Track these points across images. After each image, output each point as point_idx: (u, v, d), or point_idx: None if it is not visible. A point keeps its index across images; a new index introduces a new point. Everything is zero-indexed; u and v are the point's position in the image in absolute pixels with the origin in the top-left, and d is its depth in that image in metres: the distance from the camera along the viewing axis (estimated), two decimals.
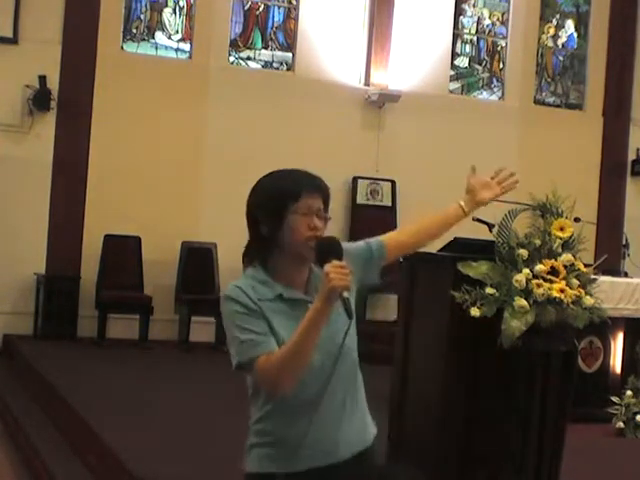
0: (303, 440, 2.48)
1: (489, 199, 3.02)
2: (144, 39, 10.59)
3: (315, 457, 2.51)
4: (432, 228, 2.86)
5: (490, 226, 5.19)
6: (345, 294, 2.38)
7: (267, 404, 2.57)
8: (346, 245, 2.58)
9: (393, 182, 11.16)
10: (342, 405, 2.56)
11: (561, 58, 12.56)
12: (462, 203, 2.93)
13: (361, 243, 2.76)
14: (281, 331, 2.43)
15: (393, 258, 2.81)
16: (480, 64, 12.09)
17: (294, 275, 2.53)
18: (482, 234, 5.02)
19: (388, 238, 2.78)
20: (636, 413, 6.56)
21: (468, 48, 12.04)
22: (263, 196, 2.60)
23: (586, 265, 4.13)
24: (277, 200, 2.52)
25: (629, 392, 6.67)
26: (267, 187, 2.61)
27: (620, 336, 7.14)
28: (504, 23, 12.16)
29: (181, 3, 10.74)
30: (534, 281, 3.95)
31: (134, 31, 10.56)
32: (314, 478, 2.51)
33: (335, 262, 2.36)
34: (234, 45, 10.92)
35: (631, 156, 12.49)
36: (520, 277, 3.96)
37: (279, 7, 11.14)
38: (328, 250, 2.43)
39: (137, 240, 10.00)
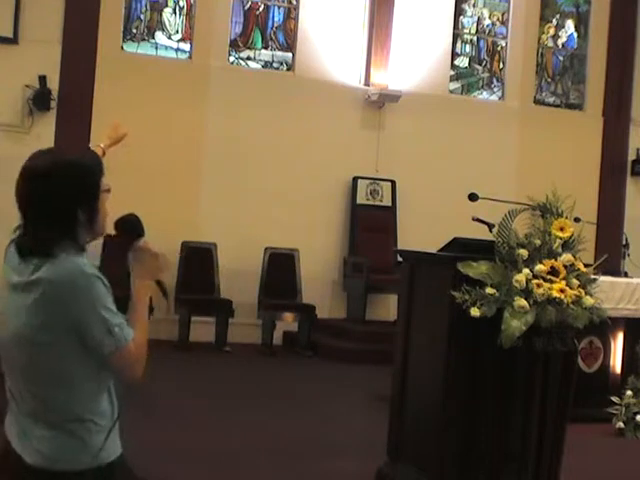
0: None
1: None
2: (144, 39, 10.59)
3: None
4: None
5: (490, 226, 5.19)
6: (161, 276, 2.47)
7: (103, 387, 2.40)
8: None
9: (393, 182, 11.16)
10: None
11: (561, 58, 12.55)
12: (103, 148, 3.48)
13: None
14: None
15: None
16: (480, 64, 12.08)
17: None
18: (482, 234, 5.02)
19: None
20: (636, 413, 6.57)
21: (468, 48, 12.04)
22: (78, 179, 2.32)
23: (586, 265, 4.14)
24: (93, 181, 2.35)
25: (629, 392, 6.68)
26: (76, 169, 2.33)
27: (620, 336, 7.15)
28: (504, 23, 12.16)
29: (181, 3, 10.74)
30: (534, 281, 3.96)
31: (134, 31, 10.55)
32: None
33: (150, 243, 2.42)
34: (234, 45, 10.92)
35: (631, 156, 12.49)
36: (520, 277, 3.96)
37: (279, 7, 11.13)
38: (137, 228, 2.46)
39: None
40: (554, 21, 12.50)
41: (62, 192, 2.28)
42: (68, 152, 2.40)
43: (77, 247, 2.30)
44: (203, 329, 9.83)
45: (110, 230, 2.48)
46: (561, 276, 4.00)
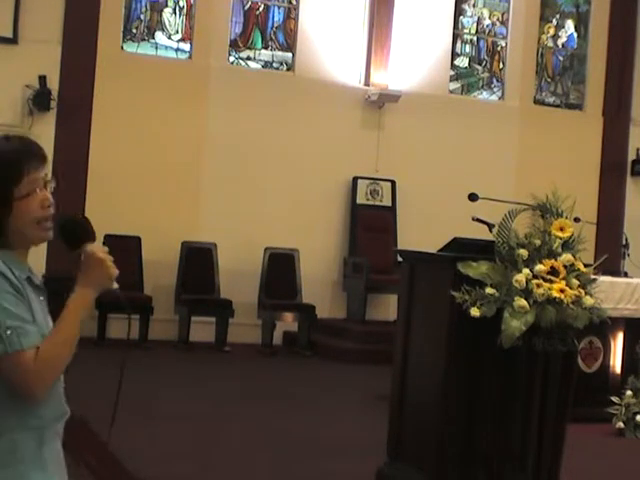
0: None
1: None
2: (144, 39, 10.58)
3: None
4: None
5: (490, 226, 5.19)
6: (115, 284, 2.19)
7: (23, 415, 2.06)
8: None
9: (393, 182, 11.16)
10: None
11: (561, 58, 12.55)
12: None
13: None
14: (38, 318, 2.11)
15: None
16: (480, 64, 12.08)
17: (23, 261, 2.18)
18: (482, 234, 5.02)
19: None
20: (636, 413, 6.57)
21: (468, 48, 12.04)
22: None
23: (586, 265, 4.14)
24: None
25: (629, 392, 6.68)
26: None
27: (620, 336, 7.15)
28: (504, 23, 12.16)
29: (181, 3, 10.74)
30: (534, 281, 3.96)
31: (134, 31, 10.55)
32: None
33: (102, 247, 2.17)
34: (234, 45, 10.91)
35: (631, 156, 12.49)
36: (520, 277, 3.96)
37: (279, 7, 11.13)
38: (82, 232, 2.21)
39: (137, 240, 10.00)
40: (554, 21, 12.49)
41: None
42: None
43: None
44: (203, 329, 9.84)
45: None
46: (561, 276, 4.00)
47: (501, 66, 12.15)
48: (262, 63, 11.05)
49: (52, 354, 2.05)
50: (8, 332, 2.00)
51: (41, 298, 2.19)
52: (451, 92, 11.86)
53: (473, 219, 6.12)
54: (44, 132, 9.87)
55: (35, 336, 2.04)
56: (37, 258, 10.49)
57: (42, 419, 2.09)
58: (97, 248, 2.17)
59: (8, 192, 2.07)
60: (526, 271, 3.98)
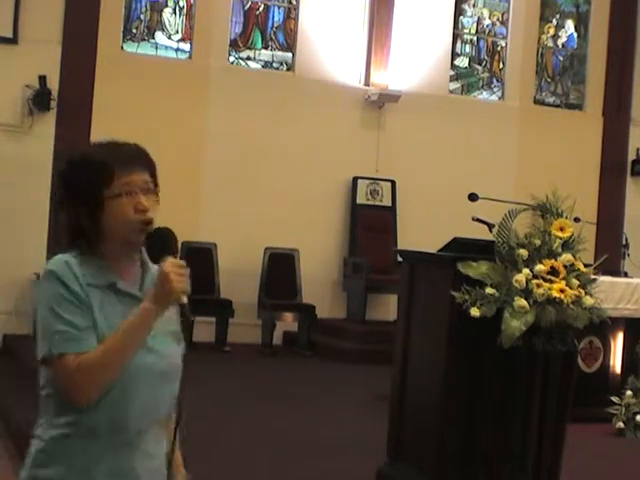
0: None
1: None
2: (144, 39, 10.58)
3: None
4: None
5: (490, 226, 5.19)
6: (184, 299, 2.12)
7: (70, 415, 2.08)
8: None
9: (393, 182, 11.16)
10: None
11: (561, 58, 12.55)
12: None
13: None
14: (103, 326, 2.08)
15: None
16: (480, 64, 12.08)
17: (125, 268, 2.19)
18: (482, 234, 5.02)
19: None
20: (636, 413, 6.57)
21: (468, 48, 12.04)
22: (73, 184, 2.15)
23: (586, 265, 4.14)
24: (88, 187, 2.12)
25: (629, 392, 6.68)
26: (76, 172, 2.16)
27: (620, 336, 7.15)
28: (504, 23, 12.16)
29: (181, 3, 10.74)
30: (534, 281, 3.96)
31: (134, 31, 10.55)
32: None
33: (173, 260, 2.13)
34: (234, 45, 10.92)
35: (631, 156, 12.49)
36: (520, 277, 3.96)
37: (279, 7, 11.13)
38: (162, 244, 2.20)
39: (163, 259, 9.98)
40: (554, 21, 12.49)
41: (64, 198, 2.18)
42: (89, 151, 2.22)
43: (84, 251, 2.13)
44: (203, 329, 9.83)
45: None
46: (561, 276, 4.01)
47: (501, 66, 12.15)
48: (262, 63, 11.05)
49: (95, 362, 2.03)
50: (56, 336, 2.03)
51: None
52: (451, 92, 11.86)
53: (473, 219, 6.12)
54: (44, 132, 9.87)
55: (84, 343, 2.04)
56: (37, 259, 10.41)
57: (97, 424, 2.06)
58: (167, 262, 2.13)
59: (98, 192, 2.11)
60: (526, 271, 3.99)
